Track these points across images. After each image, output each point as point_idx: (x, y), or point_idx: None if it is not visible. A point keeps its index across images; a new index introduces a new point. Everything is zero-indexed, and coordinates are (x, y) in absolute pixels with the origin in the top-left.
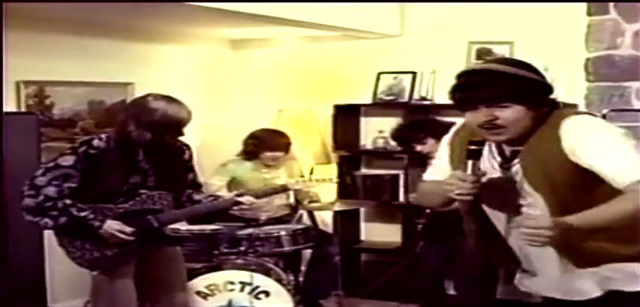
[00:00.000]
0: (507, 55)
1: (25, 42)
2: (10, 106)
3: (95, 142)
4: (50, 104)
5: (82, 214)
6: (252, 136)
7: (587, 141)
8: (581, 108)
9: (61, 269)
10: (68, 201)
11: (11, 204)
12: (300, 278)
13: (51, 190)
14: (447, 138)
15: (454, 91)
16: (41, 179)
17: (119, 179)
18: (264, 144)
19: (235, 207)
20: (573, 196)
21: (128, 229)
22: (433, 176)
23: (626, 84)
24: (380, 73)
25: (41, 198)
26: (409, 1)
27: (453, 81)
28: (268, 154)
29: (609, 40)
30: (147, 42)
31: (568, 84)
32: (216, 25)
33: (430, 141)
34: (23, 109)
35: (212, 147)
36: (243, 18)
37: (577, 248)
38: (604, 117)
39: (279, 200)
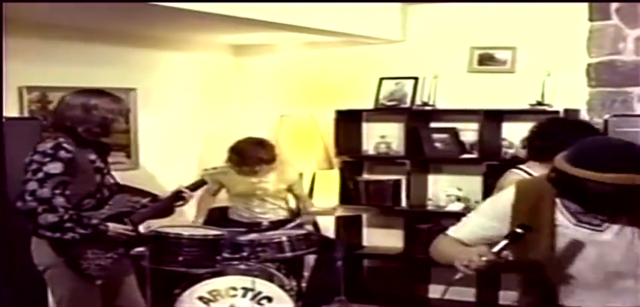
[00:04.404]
0: (509, 60)
1: (28, 48)
2: (12, 112)
3: (65, 145)
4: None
5: (93, 221)
6: (233, 149)
7: None
8: (583, 113)
9: None
10: (72, 212)
11: (13, 209)
12: (303, 284)
13: (61, 201)
14: (511, 197)
15: None
16: (44, 191)
17: (89, 180)
18: (244, 159)
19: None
20: None
21: (129, 227)
22: (457, 234)
23: (628, 89)
24: (382, 79)
25: (61, 211)
26: (412, 1)
27: (454, 86)
28: (247, 169)
29: (611, 46)
30: (149, 48)
31: (570, 89)
32: (218, 31)
33: None
34: (26, 114)
35: (214, 153)
36: (244, 24)
37: None
38: (606, 122)
39: (281, 203)
